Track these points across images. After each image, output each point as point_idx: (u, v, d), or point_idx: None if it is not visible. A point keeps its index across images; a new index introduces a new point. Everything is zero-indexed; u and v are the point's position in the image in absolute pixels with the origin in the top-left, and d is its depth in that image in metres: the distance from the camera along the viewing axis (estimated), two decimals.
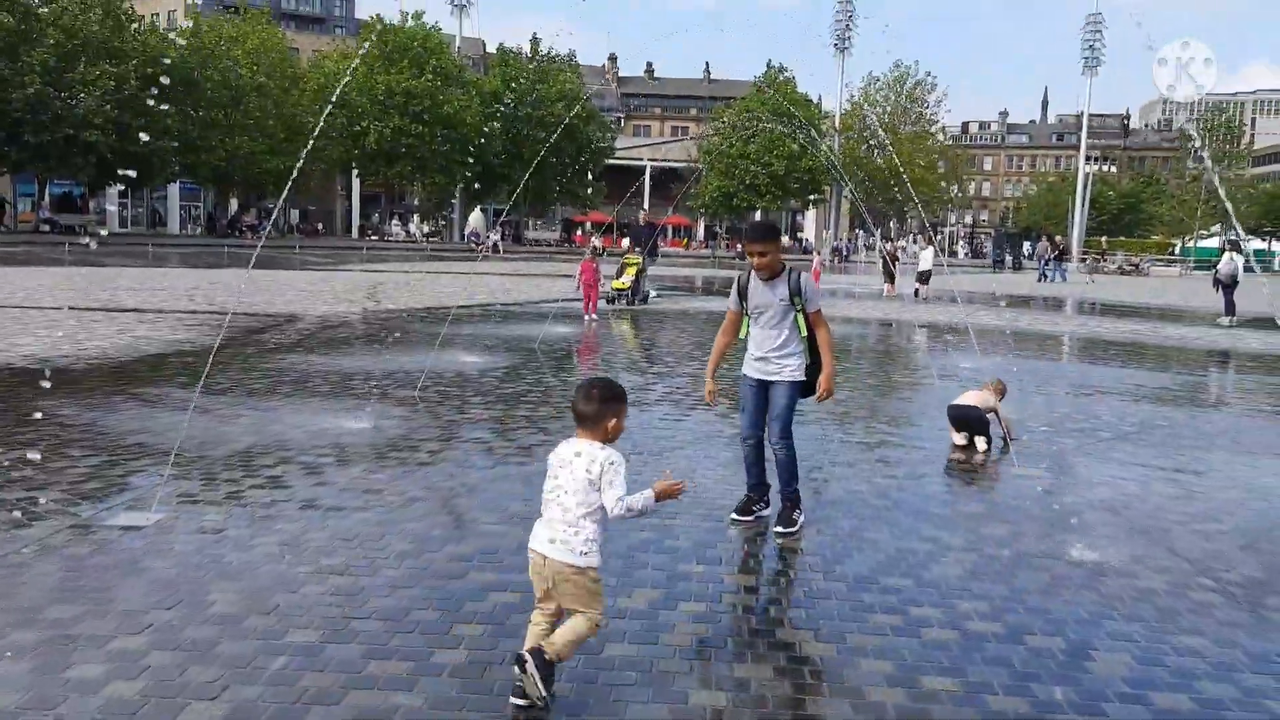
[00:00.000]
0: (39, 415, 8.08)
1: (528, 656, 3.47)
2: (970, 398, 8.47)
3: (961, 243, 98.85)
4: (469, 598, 4.57)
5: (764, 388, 5.85)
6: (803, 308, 5.72)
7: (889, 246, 33.62)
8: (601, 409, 3.72)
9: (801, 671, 3.99)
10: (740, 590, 4.90)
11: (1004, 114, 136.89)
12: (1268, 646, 4.44)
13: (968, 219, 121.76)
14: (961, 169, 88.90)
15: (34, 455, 6.72)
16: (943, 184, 76.52)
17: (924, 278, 28.37)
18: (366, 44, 57.85)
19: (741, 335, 5.94)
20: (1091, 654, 4.26)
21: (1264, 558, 5.70)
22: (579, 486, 3.59)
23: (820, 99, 74.78)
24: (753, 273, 5.75)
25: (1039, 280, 42.28)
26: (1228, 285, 23.04)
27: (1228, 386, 13.64)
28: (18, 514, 5.53)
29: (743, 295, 5.85)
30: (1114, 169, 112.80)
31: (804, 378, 5.81)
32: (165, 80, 42.16)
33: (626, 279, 21.49)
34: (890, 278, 29.99)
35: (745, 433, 5.98)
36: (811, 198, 71.12)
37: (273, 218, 55.90)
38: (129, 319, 15.78)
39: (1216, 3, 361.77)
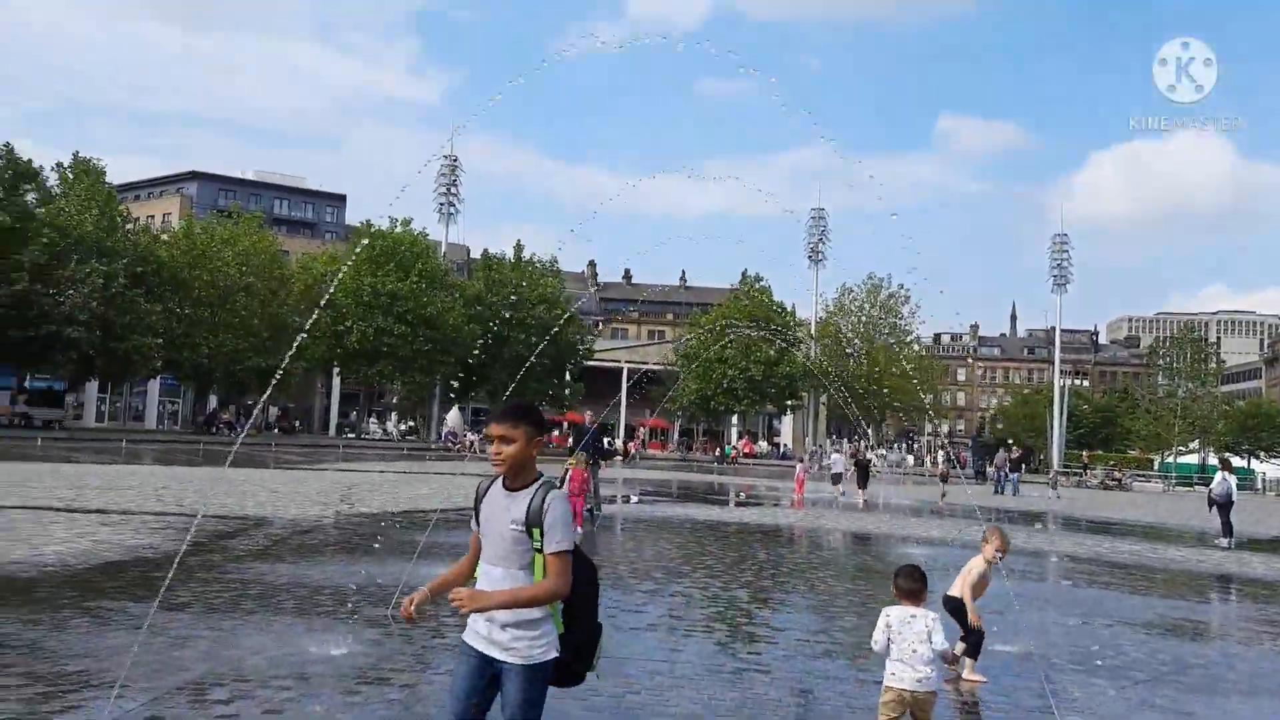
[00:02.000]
0: None
1: None
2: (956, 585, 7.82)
3: (941, 453, 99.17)
4: None
5: (485, 666, 3.87)
6: (540, 545, 3.78)
7: (857, 453, 34.34)
8: (924, 587, 5.61)
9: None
10: None
11: (975, 327, 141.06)
12: None
13: (944, 429, 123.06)
14: (936, 379, 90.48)
15: None
16: (920, 393, 77.56)
17: (836, 479, 31.47)
18: (359, 246, 59.28)
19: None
20: None
21: None
22: (923, 639, 5.33)
23: (794, 307, 76.90)
24: (498, 480, 3.94)
25: (995, 492, 40.83)
26: (1223, 505, 22.74)
27: (1250, 618, 13.05)
28: None
29: (477, 507, 3.99)
30: (1086, 383, 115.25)
31: (554, 654, 3.85)
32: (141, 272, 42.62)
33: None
34: (863, 483, 30.20)
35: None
36: (789, 403, 71.73)
37: (253, 416, 55.57)
38: (92, 520, 15.02)
39: (1173, 227, 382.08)
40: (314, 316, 50.12)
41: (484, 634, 3.85)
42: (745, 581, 12.54)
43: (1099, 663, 8.76)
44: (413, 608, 3.82)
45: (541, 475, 3.91)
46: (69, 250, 44.28)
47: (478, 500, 3.97)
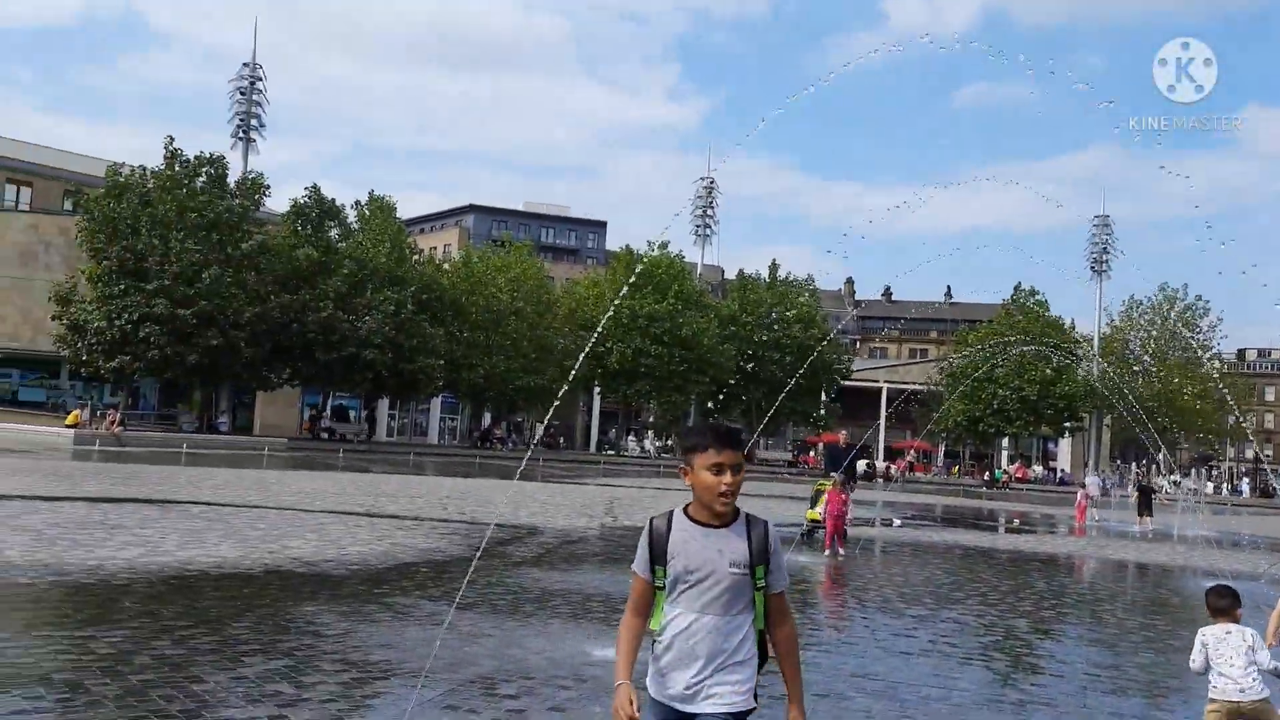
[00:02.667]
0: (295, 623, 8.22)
1: None
2: None
3: (1245, 480, 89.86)
4: None
5: None
6: (765, 584, 3.38)
7: (1141, 478, 33.55)
8: (1236, 603, 5.69)
9: None
10: None
11: None
12: None
13: (1248, 453, 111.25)
14: (1237, 399, 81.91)
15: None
16: (1218, 415, 70.60)
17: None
18: (623, 272, 61.43)
19: (654, 624, 3.42)
20: None
21: None
22: (1241, 652, 5.43)
23: (1073, 322, 72.14)
24: (679, 514, 3.39)
25: None
26: None
27: None
28: None
29: (658, 551, 3.37)
30: None
31: (754, 704, 3.38)
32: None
33: (820, 509, 18.13)
34: (1147, 511, 29.31)
35: None
36: (1067, 425, 67.33)
37: (537, 434, 58.88)
38: (389, 525, 16.41)
39: None
40: (590, 342, 52.75)
41: (686, 689, 3.29)
42: (1024, 611, 11.89)
43: None
44: (636, 710, 3.20)
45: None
46: (365, 280, 48.74)
47: (657, 541, 3.34)
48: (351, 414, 63.98)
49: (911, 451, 73.58)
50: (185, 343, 42.23)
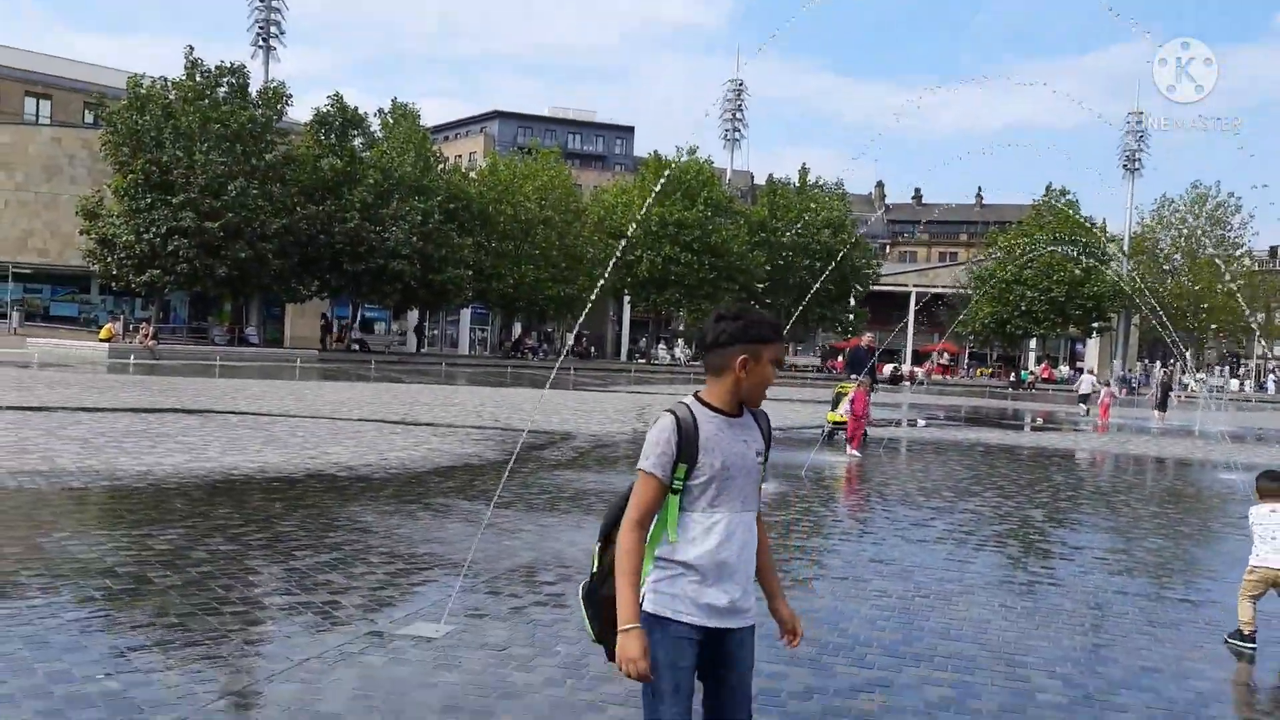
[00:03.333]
0: (345, 521, 8.66)
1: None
2: None
3: (1272, 377, 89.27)
4: None
5: (717, 643, 3.01)
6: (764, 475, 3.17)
7: (1163, 375, 35.17)
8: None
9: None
10: None
11: None
12: None
13: (1277, 350, 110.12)
14: (1270, 295, 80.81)
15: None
16: (1247, 313, 69.81)
17: (1084, 400, 33.36)
18: (650, 179, 60.90)
19: (670, 535, 3.01)
20: None
21: None
22: None
23: (1105, 222, 71.04)
24: (697, 406, 3.03)
25: None
26: None
27: None
28: (321, 618, 5.84)
29: (688, 448, 2.96)
30: None
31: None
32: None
33: (844, 410, 18.04)
34: (1163, 406, 31.22)
35: None
36: (1095, 325, 66.93)
37: (564, 346, 59.31)
38: (424, 432, 16.88)
39: None
40: (619, 247, 52.58)
41: (731, 602, 2.99)
42: (1040, 502, 12.21)
43: None
44: (646, 666, 2.84)
45: None
46: (391, 190, 48.75)
47: (688, 436, 2.95)
48: (379, 326, 64.67)
49: (938, 354, 73.54)
50: (214, 255, 42.67)
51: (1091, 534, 10.31)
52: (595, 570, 3.19)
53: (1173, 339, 29.57)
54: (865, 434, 17.46)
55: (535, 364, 55.55)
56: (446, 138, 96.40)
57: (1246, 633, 6.21)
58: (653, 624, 2.92)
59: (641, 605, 2.93)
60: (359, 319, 58.99)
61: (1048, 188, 67.42)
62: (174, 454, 12.37)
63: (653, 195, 54.08)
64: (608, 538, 3.16)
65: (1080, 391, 34.81)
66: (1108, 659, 5.88)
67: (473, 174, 59.95)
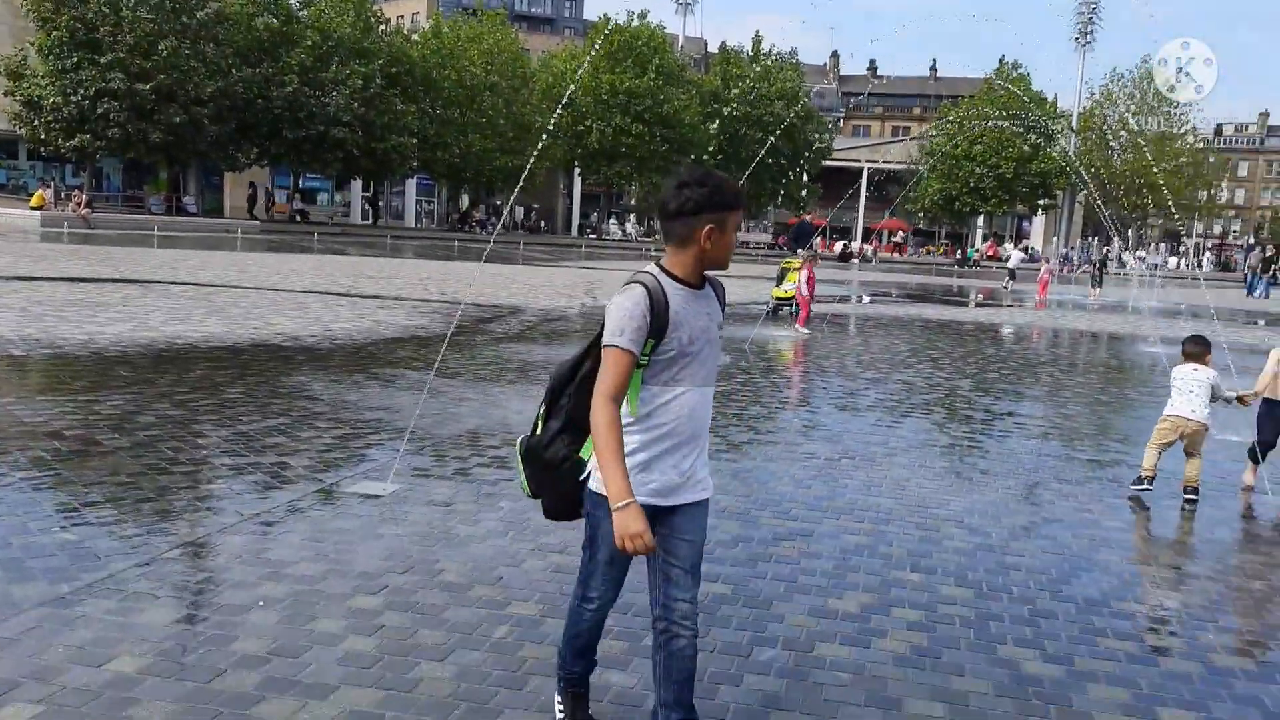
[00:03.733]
0: (291, 388, 8.79)
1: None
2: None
3: (1208, 255, 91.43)
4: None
5: (665, 518, 2.98)
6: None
7: (1100, 253, 36.70)
8: (1207, 350, 7.00)
9: (1025, 691, 3.80)
10: (957, 603, 4.70)
11: (1264, 115, 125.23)
12: None
13: (1216, 229, 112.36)
14: (1213, 174, 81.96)
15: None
16: (1189, 190, 70.86)
17: (1012, 275, 34.92)
18: (598, 43, 59.39)
19: (632, 409, 2.93)
20: None
21: None
22: (1203, 384, 6.71)
23: (1056, 97, 70.97)
24: (664, 277, 2.92)
25: (1247, 295, 38.66)
26: None
27: None
28: (270, 477, 6.04)
29: (660, 321, 2.84)
30: None
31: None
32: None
33: (788, 286, 18.28)
34: (1098, 283, 32.53)
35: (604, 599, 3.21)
36: (1041, 203, 67.64)
37: (503, 216, 58.51)
38: (369, 304, 16.89)
39: None
40: (555, 115, 51.20)
41: (680, 477, 2.97)
42: (970, 374, 12.68)
43: None
44: (648, 539, 2.74)
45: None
46: (330, 52, 47.03)
47: (659, 309, 2.83)
48: (321, 197, 63.33)
49: (890, 233, 74.07)
50: (147, 119, 41.08)
51: (1014, 402, 10.79)
52: (540, 431, 3.19)
53: (1106, 217, 30.11)
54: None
55: (484, 237, 55.02)
56: None
57: (1145, 477, 6.77)
58: (600, 501, 2.89)
59: (587, 482, 2.96)
60: (299, 189, 57.63)
61: (1000, 61, 67.07)
62: (115, 323, 12.32)
63: (587, 60, 52.68)
64: (552, 399, 3.20)
65: (1009, 266, 36.18)
66: (1014, 511, 6.31)
67: (415, 36, 57.92)
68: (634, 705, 3.53)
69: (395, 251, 35.97)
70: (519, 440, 3.28)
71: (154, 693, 3.38)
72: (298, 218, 53.07)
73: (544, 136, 46.91)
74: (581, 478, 3.05)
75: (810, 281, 16.81)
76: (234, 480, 5.96)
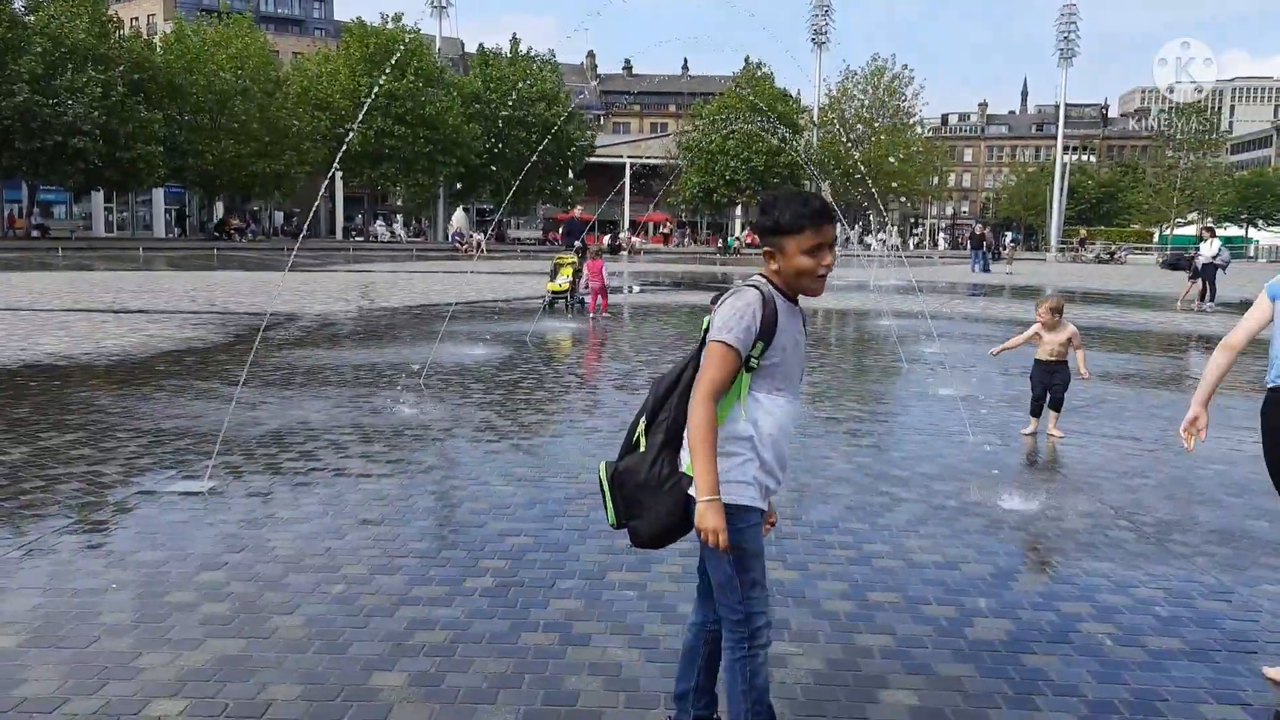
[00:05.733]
0: (78, 405, 8.84)
1: None
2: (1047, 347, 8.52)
3: (942, 235, 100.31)
4: (489, 541, 5.40)
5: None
6: None
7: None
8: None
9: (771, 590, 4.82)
10: None
11: (984, 105, 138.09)
12: (1165, 570, 5.32)
13: (949, 211, 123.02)
14: (939, 161, 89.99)
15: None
16: (921, 177, 77.53)
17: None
18: (351, 46, 58.42)
19: (737, 414, 2.95)
20: (1015, 576, 5.11)
21: (1178, 504, 6.59)
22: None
23: (799, 93, 75.80)
24: (771, 287, 2.99)
25: (970, 270, 43.76)
26: (1208, 269, 24.53)
27: (1182, 368, 14.57)
28: (86, 485, 6.31)
29: (769, 325, 2.91)
30: (1093, 158, 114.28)
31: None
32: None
33: (562, 280, 19.64)
34: None
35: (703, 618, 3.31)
36: None
37: (262, 221, 56.44)
38: (137, 319, 16.49)
39: None
40: (311, 117, 50.08)
41: (775, 488, 3.08)
42: None
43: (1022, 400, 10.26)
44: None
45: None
46: (64, 59, 44.03)
47: (770, 313, 2.91)
48: (57, 210, 59.02)
49: (658, 225, 76.77)
50: None
51: None
52: (636, 453, 3.07)
53: (854, 206, 32.76)
54: (583, 300, 19.10)
55: (244, 245, 52.99)
56: None
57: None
58: (738, 513, 2.89)
59: (720, 496, 2.82)
60: (35, 202, 53.48)
61: (746, 61, 70.95)
62: None
63: (342, 60, 51.75)
64: (653, 415, 3.07)
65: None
66: None
67: (158, 41, 54.98)
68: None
69: (149, 264, 34.32)
70: (602, 466, 3.14)
71: (40, 660, 3.83)
72: (36, 233, 49.33)
73: (313, 146, 45.78)
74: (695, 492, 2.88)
75: (600, 273, 18.36)
76: (52, 490, 6.19)
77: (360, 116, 52.40)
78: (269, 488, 6.36)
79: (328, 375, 11.05)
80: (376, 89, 52.50)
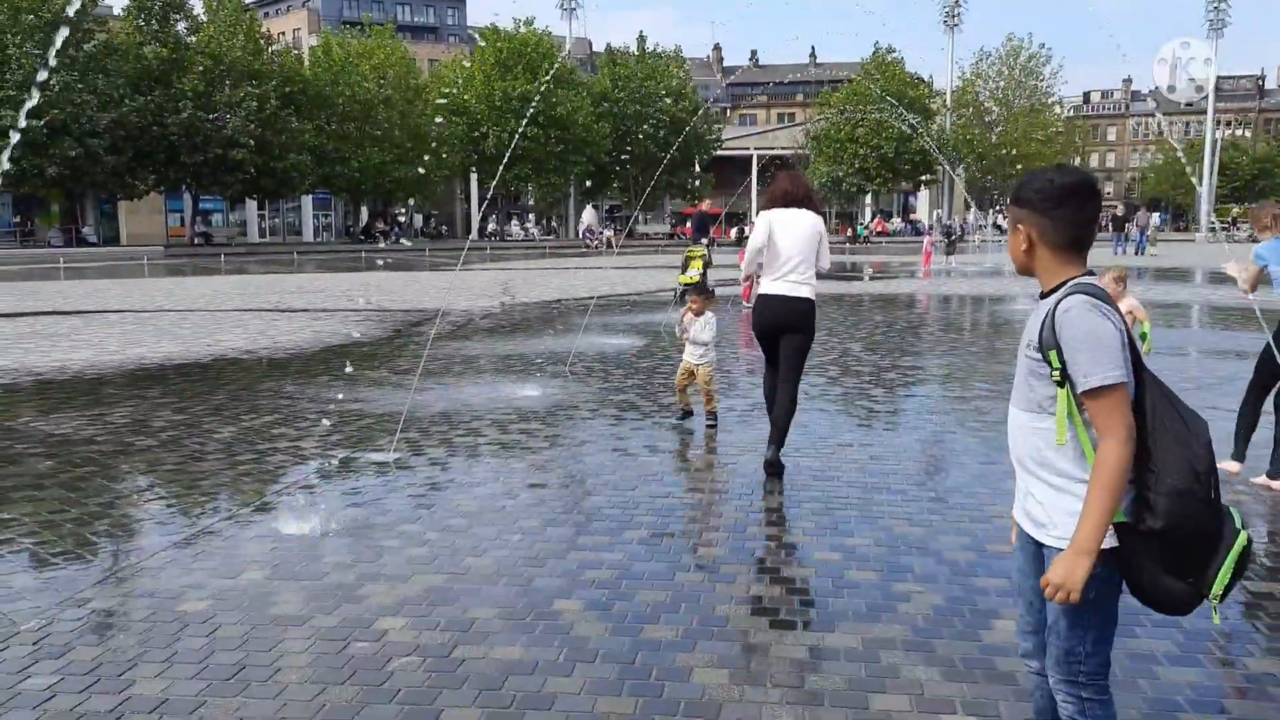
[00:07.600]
0: (269, 392, 9.94)
1: None
2: None
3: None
4: (640, 501, 6.07)
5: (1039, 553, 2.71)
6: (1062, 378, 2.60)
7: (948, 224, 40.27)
8: None
9: (897, 543, 5.34)
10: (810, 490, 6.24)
11: (1128, 81, 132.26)
12: None
13: None
14: (1081, 141, 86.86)
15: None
16: (1061, 158, 75.10)
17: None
18: (484, 51, 60.43)
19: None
20: None
21: None
22: None
23: (931, 77, 74.46)
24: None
25: (1113, 254, 42.57)
26: None
27: None
28: (290, 457, 7.28)
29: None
30: (1248, 133, 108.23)
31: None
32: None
33: (693, 273, 19.35)
34: (950, 250, 37.44)
35: (1025, 649, 2.87)
36: (924, 179, 70.97)
37: (409, 224, 59.02)
38: (303, 318, 17.89)
39: None
40: (440, 127, 52.19)
41: (1022, 504, 2.76)
42: (859, 336, 14.42)
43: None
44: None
45: (1076, 276, 2.64)
46: (222, 76, 47.18)
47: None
48: (215, 218, 63.03)
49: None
50: (41, 154, 40.89)
51: (894, 357, 12.50)
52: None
53: (980, 191, 32.27)
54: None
55: (388, 248, 55.55)
56: (267, 14, 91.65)
57: None
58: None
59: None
60: (197, 212, 57.37)
61: (875, 47, 70.14)
62: (78, 349, 13.22)
63: (469, 64, 53.27)
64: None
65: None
66: (877, 434, 7.92)
67: (305, 54, 58.16)
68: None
69: (301, 267, 36.55)
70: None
71: (283, 588, 4.69)
72: (199, 240, 52.90)
73: (446, 148, 47.78)
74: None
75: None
76: (263, 461, 7.17)
77: (522, 127, 54.18)
78: (445, 458, 7.20)
79: (482, 365, 11.96)
80: (535, 103, 54.27)
